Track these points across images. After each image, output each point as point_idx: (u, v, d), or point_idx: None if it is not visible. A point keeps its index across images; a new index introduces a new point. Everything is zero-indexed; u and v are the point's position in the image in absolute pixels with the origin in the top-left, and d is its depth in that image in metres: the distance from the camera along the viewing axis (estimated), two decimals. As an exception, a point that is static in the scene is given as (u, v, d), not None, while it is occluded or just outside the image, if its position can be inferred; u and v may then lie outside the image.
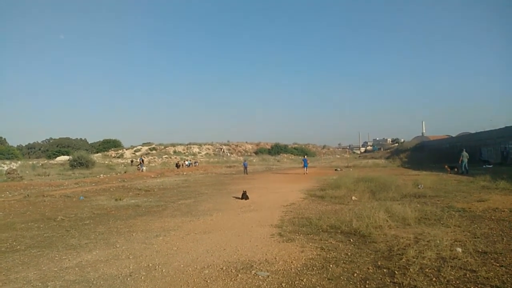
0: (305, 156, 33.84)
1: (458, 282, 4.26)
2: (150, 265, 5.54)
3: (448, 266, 4.73)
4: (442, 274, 4.48)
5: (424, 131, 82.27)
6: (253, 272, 5.01)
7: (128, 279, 4.93)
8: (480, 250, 5.51)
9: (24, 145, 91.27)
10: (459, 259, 5.03)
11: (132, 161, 52.61)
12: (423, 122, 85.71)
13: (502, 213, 8.56)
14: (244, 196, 13.29)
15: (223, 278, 4.80)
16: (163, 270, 5.25)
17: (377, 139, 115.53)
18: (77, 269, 5.48)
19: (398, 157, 51.25)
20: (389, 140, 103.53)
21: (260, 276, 4.80)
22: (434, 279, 4.36)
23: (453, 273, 4.51)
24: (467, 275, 4.47)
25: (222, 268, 5.24)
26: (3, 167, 38.28)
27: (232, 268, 5.22)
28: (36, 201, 14.24)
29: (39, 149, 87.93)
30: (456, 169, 23.25)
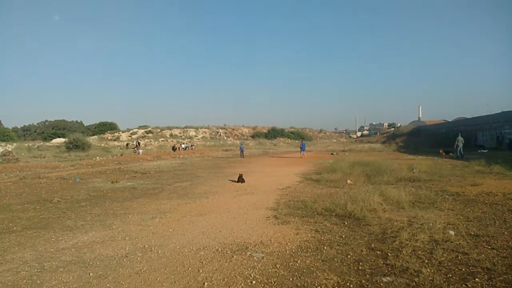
0: (303, 140, 33.85)
1: (449, 264, 4.33)
2: (146, 246, 5.58)
3: (440, 248, 4.79)
4: (434, 256, 4.55)
5: (420, 116, 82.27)
6: (248, 253, 5.06)
7: (124, 260, 4.97)
8: (473, 233, 5.59)
9: (19, 127, 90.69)
10: (452, 242, 5.10)
11: (127, 144, 52.45)
12: (420, 107, 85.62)
13: (496, 197, 8.65)
14: (240, 179, 13.34)
15: (219, 259, 4.85)
16: (159, 251, 5.29)
17: (374, 123, 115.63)
18: (73, 250, 5.52)
19: (394, 142, 51.46)
20: (386, 124, 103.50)
21: (255, 258, 4.85)
22: (426, 261, 4.43)
23: (445, 255, 4.58)
24: (459, 257, 4.54)
25: (217, 250, 5.29)
26: (-1, 149, 38.09)
27: (227, 250, 5.27)
28: (32, 183, 14.24)
29: (35, 131, 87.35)
30: (451, 154, 23.34)
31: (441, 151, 24.39)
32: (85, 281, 4.22)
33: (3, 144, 44.76)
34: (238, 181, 13.30)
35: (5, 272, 4.58)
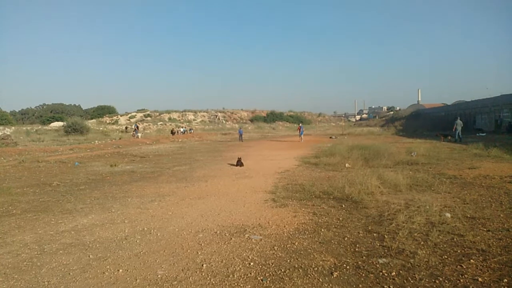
0: (301, 124, 33.82)
1: (445, 245, 4.38)
2: (145, 229, 5.63)
3: (436, 230, 4.84)
4: (430, 238, 4.59)
5: (419, 99, 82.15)
6: (246, 236, 5.11)
7: (124, 242, 5.01)
8: (469, 216, 5.63)
9: (17, 111, 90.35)
10: (448, 224, 5.14)
11: (126, 128, 52.40)
12: (419, 90, 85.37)
13: (493, 180, 8.69)
14: (239, 163, 13.37)
15: (217, 242, 4.90)
16: (158, 234, 5.34)
17: (373, 107, 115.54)
18: (73, 232, 5.56)
19: (393, 125, 51.58)
20: (385, 108, 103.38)
21: (253, 240, 4.91)
22: (422, 242, 4.48)
23: (441, 237, 4.63)
24: (455, 239, 4.59)
25: (216, 232, 5.34)
26: (-3, 132, 38.01)
27: (226, 232, 5.32)
28: (31, 166, 14.25)
29: (33, 115, 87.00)
30: (449, 137, 23.36)
31: (439, 134, 24.42)
32: (84, 263, 4.27)
33: (1, 127, 44.61)
34: (236, 165, 13.34)
35: (5, 255, 4.63)
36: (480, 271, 3.66)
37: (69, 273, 4.00)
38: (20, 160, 16.16)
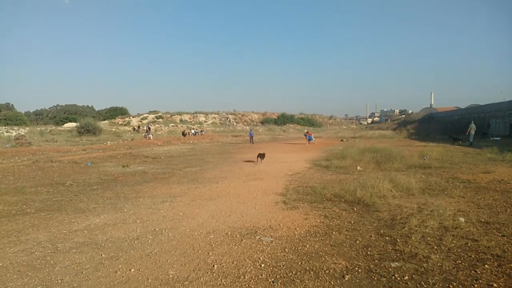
0: (306, 131, 33.15)
1: (459, 250, 4.31)
2: (157, 229, 5.67)
3: (450, 235, 4.78)
4: (444, 242, 4.53)
5: (432, 103, 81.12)
6: (257, 237, 5.11)
7: (135, 242, 5.06)
8: (483, 220, 5.54)
9: (31, 112, 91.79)
10: (462, 229, 5.07)
11: (138, 127, 52.86)
12: (432, 94, 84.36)
13: (507, 184, 8.53)
14: (261, 156, 15.16)
15: (228, 243, 4.91)
16: (170, 234, 5.37)
17: (385, 110, 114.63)
18: (85, 232, 5.63)
19: (405, 128, 50.96)
20: (397, 111, 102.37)
21: (264, 241, 4.90)
22: (435, 247, 4.42)
23: (454, 242, 4.57)
24: (469, 244, 4.52)
25: (227, 233, 5.35)
26: (12, 133, 38.64)
27: (236, 233, 5.32)
28: (44, 166, 14.46)
29: (47, 116, 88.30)
30: (460, 141, 23.05)
31: (451, 137, 24.17)
32: (97, 262, 4.32)
33: (16, 128, 45.39)
34: (258, 158, 15.22)
35: (19, 252, 4.71)
36: (495, 277, 3.60)
37: (82, 272, 4.05)
38: (34, 160, 16.42)
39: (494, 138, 28.06)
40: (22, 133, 36.27)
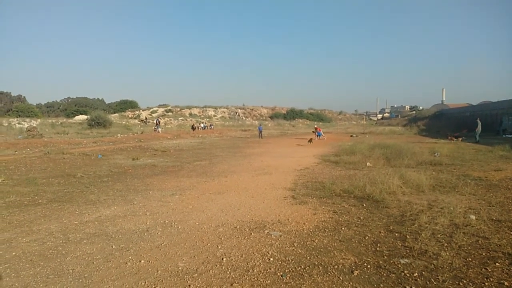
0: (315, 127, 32.71)
1: (469, 248, 4.28)
2: (166, 221, 5.71)
3: (460, 232, 4.73)
4: (454, 240, 4.49)
5: (444, 99, 80.00)
6: (266, 231, 5.12)
7: (145, 234, 5.10)
8: (494, 218, 5.48)
9: (43, 104, 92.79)
10: (472, 226, 5.02)
11: (146, 119, 53.21)
12: (443, 90, 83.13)
13: (520, 183, 8.42)
14: (310, 141, 22.54)
15: (237, 236, 4.93)
16: (179, 227, 5.41)
17: (395, 106, 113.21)
18: (96, 223, 5.70)
19: (415, 125, 50.40)
20: (407, 107, 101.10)
21: (272, 236, 4.91)
22: (445, 244, 4.39)
23: (465, 239, 4.53)
24: (479, 241, 4.48)
25: (236, 227, 5.37)
26: (23, 124, 39.18)
27: (245, 227, 5.34)
28: (56, 158, 14.64)
29: (58, 108, 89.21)
30: (461, 139, 23.26)
31: (449, 136, 24.24)
32: (108, 253, 4.37)
33: (27, 120, 45.97)
34: (309, 142, 22.56)
35: (32, 242, 4.78)
36: (506, 275, 3.56)
37: (93, 262, 4.10)
38: (45, 152, 16.62)
39: (507, 135, 27.69)
40: (34, 125, 36.79)
